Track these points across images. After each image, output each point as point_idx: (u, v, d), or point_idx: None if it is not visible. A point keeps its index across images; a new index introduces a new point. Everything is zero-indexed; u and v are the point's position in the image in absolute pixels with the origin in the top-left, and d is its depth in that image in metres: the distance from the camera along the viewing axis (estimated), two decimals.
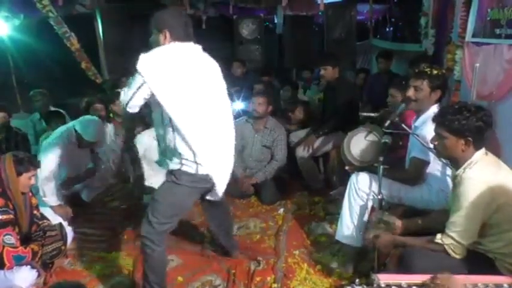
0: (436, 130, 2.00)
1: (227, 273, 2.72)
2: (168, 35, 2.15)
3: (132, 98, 2.10)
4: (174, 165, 2.21)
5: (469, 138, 1.89)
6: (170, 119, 2.11)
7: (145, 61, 2.05)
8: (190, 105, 2.10)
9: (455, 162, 2.00)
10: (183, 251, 3.01)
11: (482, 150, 1.95)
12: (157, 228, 2.19)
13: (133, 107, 2.14)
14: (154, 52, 2.10)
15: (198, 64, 2.20)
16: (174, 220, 2.29)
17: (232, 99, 4.81)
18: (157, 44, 2.18)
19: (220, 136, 2.28)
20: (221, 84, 2.33)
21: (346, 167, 2.84)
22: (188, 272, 2.75)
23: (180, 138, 2.13)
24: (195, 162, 2.16)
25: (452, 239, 1.89)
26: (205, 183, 2.27)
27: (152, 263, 2.25)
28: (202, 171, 2.18)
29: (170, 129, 2.15)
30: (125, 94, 2.14)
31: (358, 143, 2.83)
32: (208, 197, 2.45)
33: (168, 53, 2.12)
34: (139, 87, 2.07)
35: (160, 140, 2.32)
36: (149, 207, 2.25)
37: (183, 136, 2.11)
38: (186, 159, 2.16)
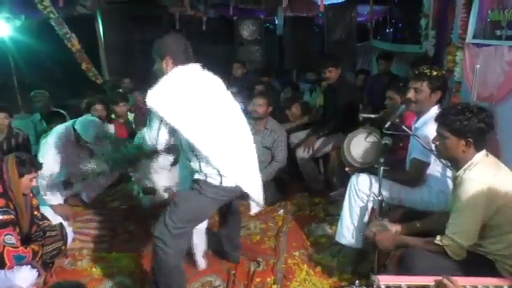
0: (437, 130, 2.00)
1: (227, 274, 2.72)
2: (170, 61, 2.18)
3: (158, 138, 2.20)
4: (198, 175, 2.24)
5: (470, 139, 1.89)
6: (190, 145, 2.13)
7: (154, 96, 2.06)
8: (206, 125, 2.12)
9: (456, 163, 2.00)
10: None
11: (483, 152, 1.95)
12: (172, 231, 2.19)
13: (162, 143, 2.25)
14: (161, 84, 2.11)
15: (204, 83, 2.22)
16: (190, 226, 2.30)
17: None
18: (161, 71, 2.20)
19: (241, 146, 2.30)
20: (229, 97, 2.35)
21: (346, 169, 2.84)
22: (188, 272, 2.74)
23: (203, 160, 2.16)
24: (220, 175, 2.18)
25: (452, 240, 1.89)
26: (232, 194, 2.31)
27: (164, 267, 2.23)
28: (227, 183, 2.21)
29: (191, 153, 2.19)
30: (149, 138, 2.25)
31: (358, 144, 2.84)
32: (252, 210, 2.55)
33: (174, 80, 2.13)
34: (160, 124, 2.14)
35: (185, 163, 2.37)
36: (168, 209, 2.25)
37: (206, 157, 2.13)
38: (211, 174, 2.19)
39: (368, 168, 2.68)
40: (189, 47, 2.25)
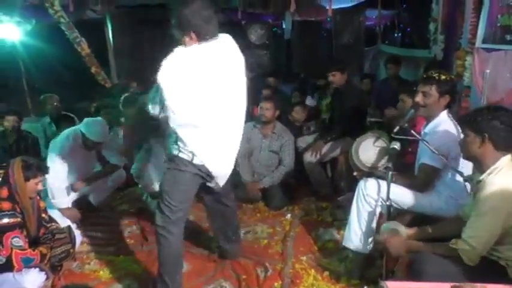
0: (461, 130, 2.09)
1: (236, 280, 2.70)
2: (194, 36, 2.15)
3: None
4: (173, 150, 2.30)
5: (485, 134, 1.89)
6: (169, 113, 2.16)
7: (164, 70, 2.09)
8: (193, 102, 2.14)
9: (479, 165, 1.99)
10: (191, 255, 3.00)
11: (509, 157, 1.93)
12: (171, 217, 2.29)
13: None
14: (170, 60, 2.12)
15: (216, 63, 2.19)
16: (184, 207, 2.37)
17: None
18: (184, 44, 2.19)
19: (224, 132, 2.32)
20: (240, 80, 2.34)
21: (355, 173, 2.83)
22: (196, 277, 2.75)
23: (178, 131, 2.22)
24: (191, 151, 2.25)
25: (469, 245, 1.86)
26: (202, 173, 2.35)
27: (169, 254, 2.33)
28: (196, 160, 2.27)
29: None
30: (153, 109, 2.28)
31: (367, 148, 2.82)
32: (208, 184, 2.50)
33: (184, 57, 2.14)
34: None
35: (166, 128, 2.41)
36: (159, 198, 2.35)
37: (179, 130, 2.20)
38: (183, 147, 2.26)
39: (376, 173, 2.67)
40: (214, 18, 2.18)
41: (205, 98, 2.16)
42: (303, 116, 4.68)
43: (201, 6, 2.15)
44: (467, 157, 2.07)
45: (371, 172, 2.70)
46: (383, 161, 2.67)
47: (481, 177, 1.95)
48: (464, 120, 2.04)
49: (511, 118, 1.90)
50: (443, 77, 2.44)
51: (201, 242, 3.18)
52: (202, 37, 2.14)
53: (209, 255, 3.01)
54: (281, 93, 5.52)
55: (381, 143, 2.74)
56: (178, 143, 2.26)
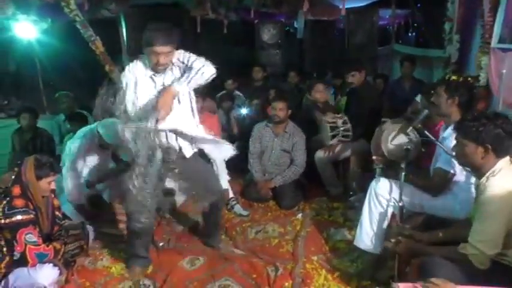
0: (456, 137, 2.01)
1: (242, 278, 2.71)
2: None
3: None
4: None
5: (488, 145, 1.87)
6: None
7: None
8: None
9: (477, 171, 1.97)
10: (202, 251, 3.05)
11: (506, 158, 1.91)
12: None
13: None
14: None
15: None
16: None
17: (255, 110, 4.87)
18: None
19: None
20: None
21: (374, 157, 2.75)
22: (205, 271, 2.79)
23: None
24: None
25: (477, 249, 1.85)
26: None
27: None
28: None
29: None
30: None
31: (399, 136, 2.72)
32: None
33: None
34: None
35: None
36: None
37: None
38: None
39: (393, 166, 2.61)
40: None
41: None
42: (324, 96, 4.40)
43: None
44: (464, 164, 2.05)
45: (389, 162, 2.64)
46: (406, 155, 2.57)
47: (479, 182, 1.94)
48: (459, 129, 1.97)
49: (510, 125, 1.87)
50: (452, 78, 2.45)
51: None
52: None
53: (221, 251, 3.05)
54: (292, 93, 5.51)
55: (413, 136, 2.68)
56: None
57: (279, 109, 3.88)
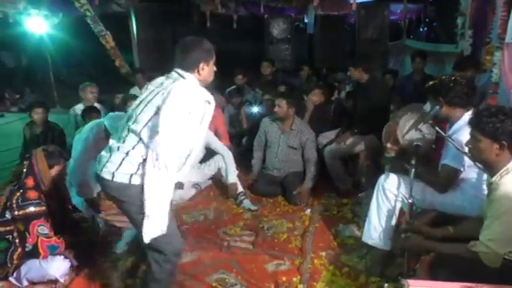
0: (471, 132, 1.96)
1: (239, 274, 2.71)
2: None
3: None
4: None
5: (504, 142, 1.84)
6: None
7: None
8: None
9: (490, 168, 1.94)
10: (200, 246, 3.06)
11: None
12: None
13: None
14: None
15: None
16: None
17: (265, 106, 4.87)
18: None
19: None
20: None
21: (388, 144, 2.71)
22: (201, 264, 2.82)
23: None
24: None
25: (487, 247, 1.83)
26: None
27: None
28: None
29: None
30: None
31: (411, 132, 2.68)
32: None
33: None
34: None
35: None
36: None
37: None
38: None
39: (404, 157, 2.56)
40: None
41: None
42: (321, 99, 4.59)
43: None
44: (477, 161, 2.01)
45: (401, 151, 2.60)
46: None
47: (492, 179, 1.91)
48: (475, 124, 1.92)
49: None
50: (443, 77, 2.49)
51: (212, 237, 3.23)
52: None
53: (222, 247, 3.06)
54: (301, 89, 5.48)
55: (426, 132, 2.62)
56: None
57: (279, 106, 3.90)
